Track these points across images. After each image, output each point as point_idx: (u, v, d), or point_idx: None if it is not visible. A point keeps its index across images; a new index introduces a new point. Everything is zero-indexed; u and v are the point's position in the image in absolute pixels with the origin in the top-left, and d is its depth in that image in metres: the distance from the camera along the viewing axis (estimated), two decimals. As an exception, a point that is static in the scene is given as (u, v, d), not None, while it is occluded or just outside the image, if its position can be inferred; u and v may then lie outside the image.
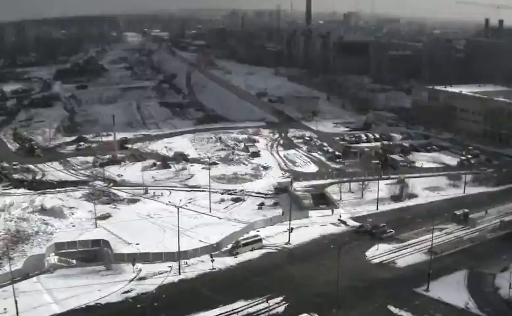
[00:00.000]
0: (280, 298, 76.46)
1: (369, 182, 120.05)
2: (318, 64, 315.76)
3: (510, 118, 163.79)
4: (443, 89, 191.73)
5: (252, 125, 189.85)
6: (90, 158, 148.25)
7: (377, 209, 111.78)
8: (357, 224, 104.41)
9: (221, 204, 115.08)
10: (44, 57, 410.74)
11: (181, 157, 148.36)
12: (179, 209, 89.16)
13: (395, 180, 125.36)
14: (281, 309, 74.59)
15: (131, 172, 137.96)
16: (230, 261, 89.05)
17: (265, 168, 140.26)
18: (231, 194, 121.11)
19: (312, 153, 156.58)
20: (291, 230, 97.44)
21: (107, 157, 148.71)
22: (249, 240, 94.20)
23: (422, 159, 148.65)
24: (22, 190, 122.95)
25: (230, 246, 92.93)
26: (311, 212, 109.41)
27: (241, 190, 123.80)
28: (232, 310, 73.97)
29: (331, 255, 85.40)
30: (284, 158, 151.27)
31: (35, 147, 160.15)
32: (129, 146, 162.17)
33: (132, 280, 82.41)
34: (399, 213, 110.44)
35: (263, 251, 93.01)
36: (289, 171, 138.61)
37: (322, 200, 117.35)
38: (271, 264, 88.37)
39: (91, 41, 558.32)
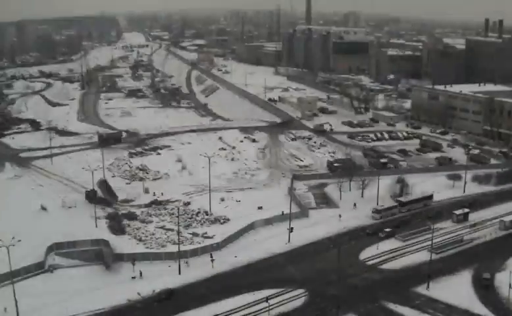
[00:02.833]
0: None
1: (369, 181, 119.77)
2: (318, 64, 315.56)
3: (510, 118, 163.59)
4: (443, 89, 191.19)
5: (252, 124, 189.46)
6: None
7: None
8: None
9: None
10: (44, 57, 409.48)
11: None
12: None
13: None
14: (281, 308, 74.66)
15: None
16: (229, 261, 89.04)
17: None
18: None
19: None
20: (291, 229, 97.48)
21: None
22: None
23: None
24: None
25: None
26: (311, 212, 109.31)
27: None
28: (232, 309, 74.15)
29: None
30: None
31: None
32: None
33: (132, 280, 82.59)
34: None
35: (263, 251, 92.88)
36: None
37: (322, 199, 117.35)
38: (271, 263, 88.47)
39: (91, 41, 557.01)
